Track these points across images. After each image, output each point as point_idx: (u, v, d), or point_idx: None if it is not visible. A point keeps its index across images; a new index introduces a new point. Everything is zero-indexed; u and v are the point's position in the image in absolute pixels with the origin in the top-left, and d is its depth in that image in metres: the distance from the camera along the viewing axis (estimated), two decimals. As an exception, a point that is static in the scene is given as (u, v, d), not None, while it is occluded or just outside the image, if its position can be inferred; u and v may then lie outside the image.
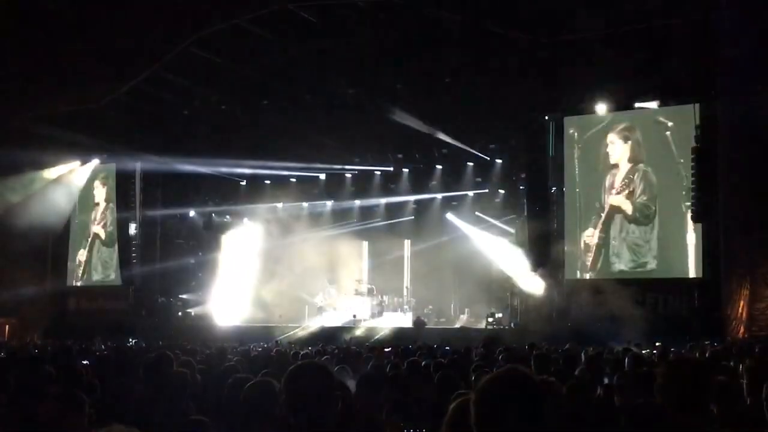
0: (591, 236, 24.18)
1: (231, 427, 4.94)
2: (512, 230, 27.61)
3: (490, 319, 26.70)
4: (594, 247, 24.08)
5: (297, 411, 3.44)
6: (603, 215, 24.04)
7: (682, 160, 22.58)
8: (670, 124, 23.31)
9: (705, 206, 21.20)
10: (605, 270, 23.81)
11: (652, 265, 23.31)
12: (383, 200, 31.15)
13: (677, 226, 22.88)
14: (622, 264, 23.65)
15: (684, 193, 22.33)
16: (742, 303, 21.18)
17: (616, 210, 23.87)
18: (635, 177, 23.64)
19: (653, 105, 23.62)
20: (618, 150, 23.98)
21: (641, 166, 23.61)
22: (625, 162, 23.84)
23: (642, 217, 23.44)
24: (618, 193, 23.85)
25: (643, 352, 13.46)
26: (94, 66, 25.60)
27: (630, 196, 23.65)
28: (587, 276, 24.15)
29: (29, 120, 27.81)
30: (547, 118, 24.92)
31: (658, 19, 21.46)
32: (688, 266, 22.76)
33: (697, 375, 4.01)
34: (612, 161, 24.09)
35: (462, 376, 7.80)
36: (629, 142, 23.83)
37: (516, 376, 2.62)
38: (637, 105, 23.69)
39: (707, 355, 11.70)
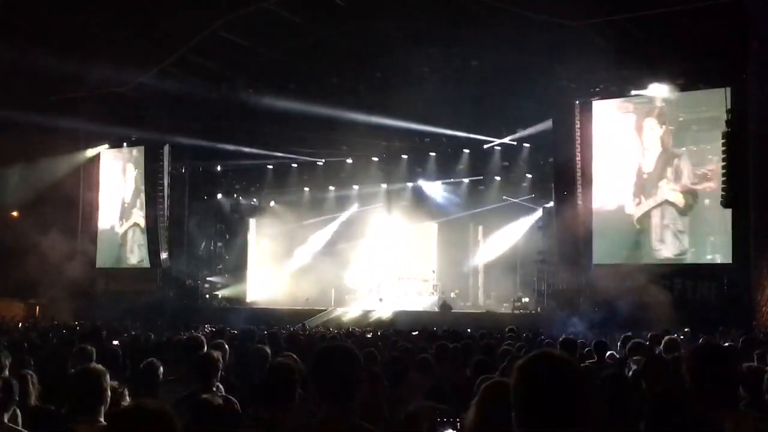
0: (631, 221, 23.91)
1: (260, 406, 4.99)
2: (540, 214, 27.47)
3: (517, 304, 26.66)
4: (636, 233, 23.81)
5: (322, 392, 3.48)
6: (641, 200, 23.77)
7: (711, 145, 22.35)
8: (700, 108, 23.06)
9: (735, 191, 20.98)
10: (648, 256, 23.51)
11: (691, 250, 23.07)
12: (410, 184, 31.11)
13: (710, 211, 22.61)
14: (666, 251, 23.35)
15: (714, 177, 22.13)
16: (771, 289, 20.98)
17: (655, 195, 23.57)
18: (671, 162, 23.37)
19: (684, 89, 23.33)
20: (651, 134, 23.70)
21: (675, 150, 23.35)
22: (658, 147, 23.54)
23: (683, 202, 23.15)
24: (655, 178, 23.55)
25: (671, 337, 13.38)
26: (122, 50, 25.73)
27: (668, 181, 23.36)
28: (623, 261, 23.84)
29: (59, 102, 28.07)
30: (577, 102, 24.69)
31: (690, 2, 21.20)
32: (720, 252, 22.55)
33: (726, 361, 3.99)
34: (644, 146, 23.81)
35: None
36: (662, 126, 23.55)
37: (554, 358, 2.65)
38: (667, 88, 23.41)
39: (732, 342, 11.62)
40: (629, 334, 11.50)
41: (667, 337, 9.93)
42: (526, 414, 2.60)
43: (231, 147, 30.11)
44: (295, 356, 6.42)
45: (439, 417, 3.69)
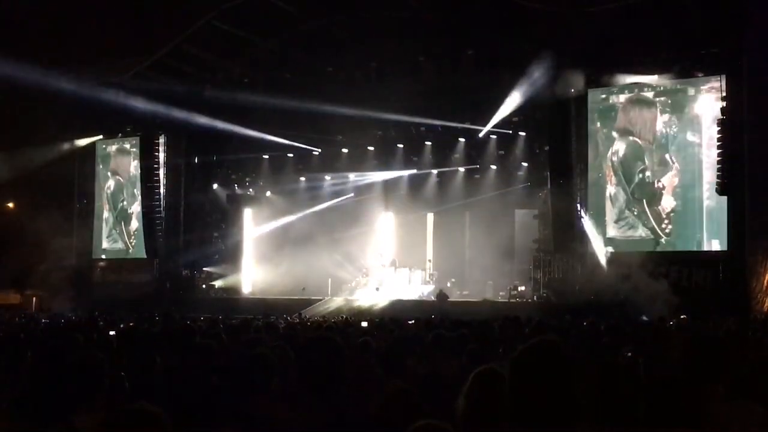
0: (626, 209, 23.94)
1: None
2: (535, 203, 27.45)
3: (513, 292, 26.68)
4: (631, 221, 23.82)
5: (306, 383, 3.47)
6: (636, 188, 23.78)
7: (707, 133, 22.39)
8: (695, 95, 23.06)
9: (730, 179, 21.01)
10: (644, 243, 23.52)
11: (687, 238, 23.14)
12: (406, 173, 31.09)
13: (705, 199, 22.65)
14: (661, 239, 23.36)
15: (709, 165, 22.19)
16: (766, 276, 21.04)
17: (651, 183, 23.57)
18: (666, 149, 23.38)
19: (679, 76, 23.32)
20: (645, 122, 23.71)
21: (670, 138, 23.35)
22: (654, 134, 23.56)
23: (678, 190, 23.18)
24: (650, 166, 23.56)
25: (667, 324, 13.40)
26: (119, 39, 25.68)
27: (663, 169, 23.35)
28: (618, 249, 23.84)
29: (57, 92, 28.00)
30: (572, 90, 24.63)
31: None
32: (711, 239, 22.60)
33: (715, 348, 4.01)
34: (639, 133, 23.80)
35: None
36: (657, 113, 23.55)
37: (548, 346, 2.66)
38: (662, 76, 23.39)
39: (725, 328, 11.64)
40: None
41: (659, 324, 9.94)
42: (519, 404, 2.60)
43: (227, 137, 30.08)
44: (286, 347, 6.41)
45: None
